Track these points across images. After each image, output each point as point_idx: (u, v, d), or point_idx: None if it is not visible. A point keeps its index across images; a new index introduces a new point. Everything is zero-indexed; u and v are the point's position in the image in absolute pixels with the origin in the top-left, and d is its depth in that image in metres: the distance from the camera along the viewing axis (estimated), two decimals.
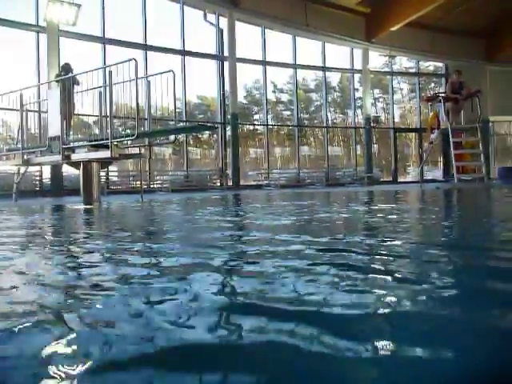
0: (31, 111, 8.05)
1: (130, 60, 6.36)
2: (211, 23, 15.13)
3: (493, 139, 20.67)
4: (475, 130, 9.95)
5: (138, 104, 6.69)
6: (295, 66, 17.18)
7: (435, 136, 10.34)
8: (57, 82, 7.96)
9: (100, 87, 7.29)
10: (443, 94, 10.45)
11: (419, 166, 13.59)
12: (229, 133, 15.45)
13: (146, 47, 13.94)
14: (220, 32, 15.21)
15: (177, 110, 14.76)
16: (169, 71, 6.83)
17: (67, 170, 10.38)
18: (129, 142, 7.38)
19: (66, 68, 8.80)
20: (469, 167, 10.44)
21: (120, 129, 9.34)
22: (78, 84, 7.56)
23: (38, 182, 12.24)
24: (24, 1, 12.28)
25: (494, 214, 3.86)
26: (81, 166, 6.98)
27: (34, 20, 12.05)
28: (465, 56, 18.40)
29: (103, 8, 13.16)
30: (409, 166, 21.42)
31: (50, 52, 11.79)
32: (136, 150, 8.02)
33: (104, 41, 13.17)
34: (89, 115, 9.23)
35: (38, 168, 11.56)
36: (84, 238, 2.57)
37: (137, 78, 6.41)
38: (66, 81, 7.36)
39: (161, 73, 6.97)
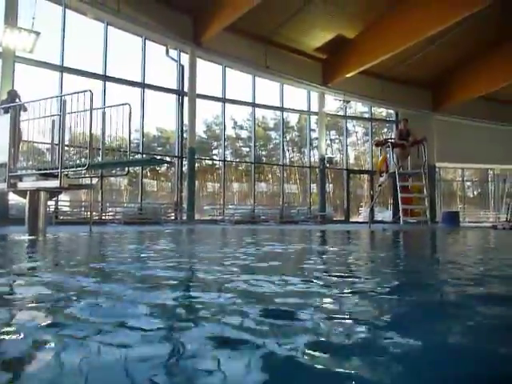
0: None
1: (85, 91, 6.33)
2: (173, 59, 15.37)
3: (439, 184, 21.74)
4: (421, 175, 10.46)
5: (91, 134, 6.63)
6: (254, 105, 17.60)
7: (384, 179, 10.81)
8: (3, 109, 7.78)
9: (53, 115, 7.17)
10: (392, 140, 11.01)
11: (369, 206, 14.05)
12: (186, 167, 15.45)
13: (105, 78, 13.91)
14: (181, 68, 15.46)
15: (135, 142, 14.76)
16: (125, 104, 6.84)
17: (14, 197, 9.98)
18: (83, 172, 7.24)
19: (13, 94, 8.64)
20: (415, 210, 10.91)
21: (75, 157, 9.14)
22: (24, 110, 7.42)
23: None
24: None
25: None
26: (27, 195, 6.77)
27: None
28: (413, 105, 19.61)
29: (63, 37, 13.12)
30: (361, 207, 22.05)
31: (4, 78, 11.52)
32: (88, 181, 7.87)
33: (62, 69, 13.06)
34: (42, 142, 9.01)
35: None
36: None
37: (91, 108, 6.37)
38: (13, 107, 7.20)
39: (117, 105, 6.97)
